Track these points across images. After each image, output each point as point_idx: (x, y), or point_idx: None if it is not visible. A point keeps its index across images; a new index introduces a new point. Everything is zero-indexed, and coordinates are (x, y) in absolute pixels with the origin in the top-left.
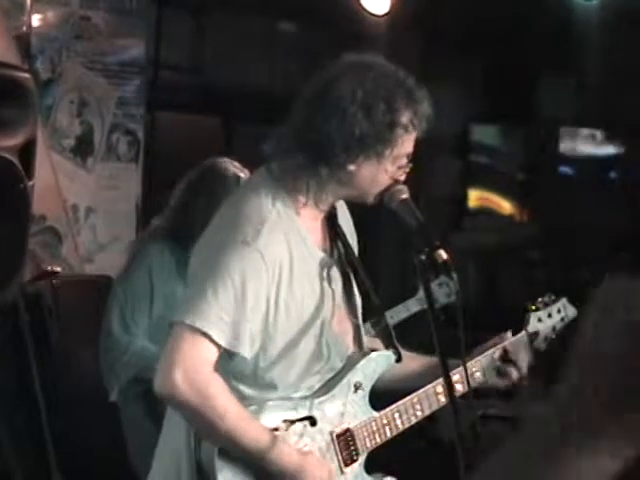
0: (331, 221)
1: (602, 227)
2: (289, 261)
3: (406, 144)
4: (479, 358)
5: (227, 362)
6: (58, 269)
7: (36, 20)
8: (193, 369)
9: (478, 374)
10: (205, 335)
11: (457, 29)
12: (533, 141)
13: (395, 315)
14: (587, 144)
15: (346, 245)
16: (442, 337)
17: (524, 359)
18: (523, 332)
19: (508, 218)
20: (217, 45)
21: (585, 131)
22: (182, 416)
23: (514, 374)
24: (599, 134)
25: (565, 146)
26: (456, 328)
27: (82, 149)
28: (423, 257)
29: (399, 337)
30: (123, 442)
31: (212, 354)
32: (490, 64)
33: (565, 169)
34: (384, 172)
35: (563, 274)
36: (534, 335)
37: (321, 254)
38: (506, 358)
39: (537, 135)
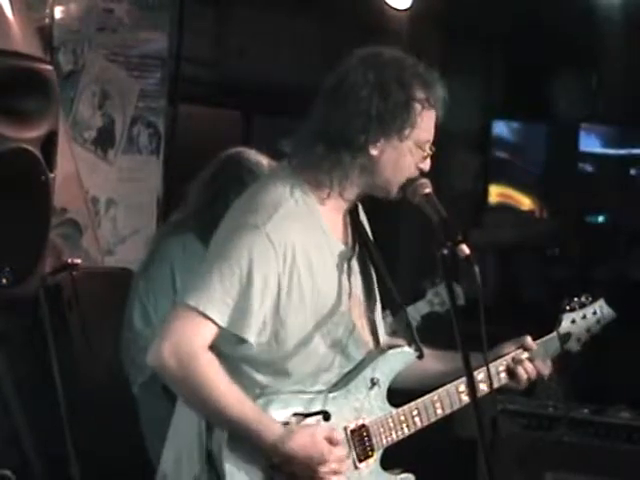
0: (353, 216)
1: (621, 224)
2: (304, 248)
3: (425, 123)
4: (506, 358)
5: (236, 347)
6: (78, 261)
7: (59, 12)
8: (182, 342)
9: (503, 375)
10: (203, 315)
11: (478, 25)
12: (553, 137)
13: None
14: (607, 141)
15: (368, 241)
16: (463, 334)
17: (549, 361)
18: (554, 333)
19: (528, 214)
20: (239, 39)
21: (605, 128)
22: (169, 386)
23: (528, 375)
24: (619, 131)
25: (585, 143)
26: (475, 324)
27: (103, 141)
28: (445, 252)
29: (426, 335)
30: (141, 434)
31: (207, 332)
32: (511, 60)
33: (585, 166)
34: (407, 156)
35: (582, 271)
36: (566, 337)
37: (341, 246)
38: (530, 359)
39: (557, 131)
